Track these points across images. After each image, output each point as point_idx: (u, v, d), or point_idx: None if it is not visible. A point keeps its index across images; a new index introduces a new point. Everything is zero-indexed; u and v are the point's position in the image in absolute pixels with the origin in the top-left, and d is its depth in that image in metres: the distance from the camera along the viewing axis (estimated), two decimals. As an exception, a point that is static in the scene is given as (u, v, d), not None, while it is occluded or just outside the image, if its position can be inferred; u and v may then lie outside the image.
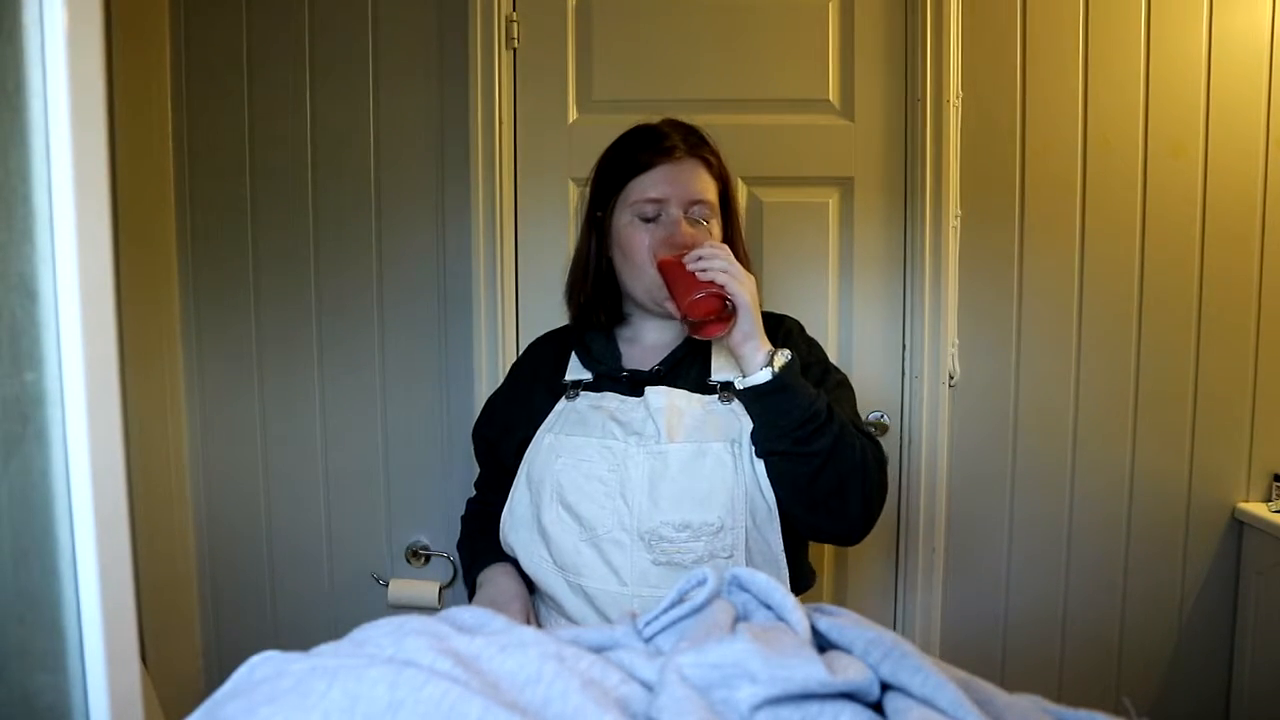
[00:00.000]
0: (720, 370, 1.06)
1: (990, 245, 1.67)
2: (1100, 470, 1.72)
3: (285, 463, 1.78)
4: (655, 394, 1.02)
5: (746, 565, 0.98)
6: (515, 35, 1.64)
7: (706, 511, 0.96)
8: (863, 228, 1.68)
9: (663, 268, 1.01)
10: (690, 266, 0.96)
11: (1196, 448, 1.72)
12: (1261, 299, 1.69)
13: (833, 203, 1.69)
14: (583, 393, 1.09)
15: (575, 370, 1.13)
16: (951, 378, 1.67)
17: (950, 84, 1.61)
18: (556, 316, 1.68)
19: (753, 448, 0.99)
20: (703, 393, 1.04)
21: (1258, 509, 1.68)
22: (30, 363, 0.56)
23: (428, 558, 1.76)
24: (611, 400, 1.06)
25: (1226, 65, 1.65)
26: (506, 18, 1.63)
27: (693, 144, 1.07)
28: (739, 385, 0.98)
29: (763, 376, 0.95)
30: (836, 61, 1.66)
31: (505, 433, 1.15)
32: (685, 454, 0.98)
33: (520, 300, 1.68)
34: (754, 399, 0.97)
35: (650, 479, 0.97)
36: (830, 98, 1.67)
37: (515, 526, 1.08)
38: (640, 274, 1.06)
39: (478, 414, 1.28)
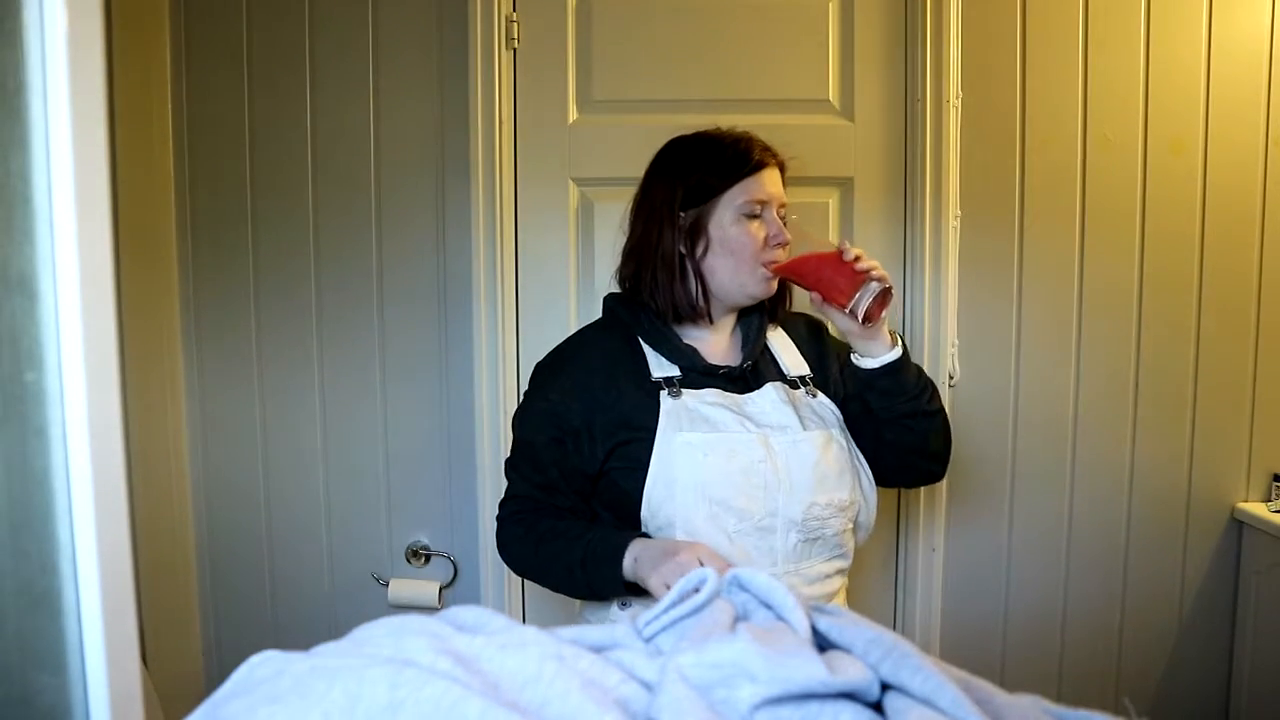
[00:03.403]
0: (793, 367, 1.22)
1: (990, 245, 1.67)
2: (1100, 470, 1.72)
3: (285, 463, 1.78)
4: (775, 389, 1.15)
5: (855, 529, 1.19)
6: (515, 35, 1.64)
7: (842, 490, 1.13)
8: (863, 228, 1.68)
9: (817, 262, 1.10)
10: (863, 265, 1.07)
11: (1196, 447, 1.72)
12: (1261, 299, 1.69)
13: (833, 203, 1.69)
14: (684, 390, 1.11)
15: (661, 367, 1.14)
16: (951, 378, 1.67)
17: (950, 84, 1.61)
18: (558, 316, 1.69)
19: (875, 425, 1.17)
20: (792, 387, 1.19)
21: (1257, 509, 1.68)
22: (30, 363, 0.56)
23: (428, 558, 1.76)
24: (723, 396, 1.13)
25: (1226, 64, 1.65)
26: (506, 18, 1.63)
27: (773, 152, 1.19)
28: (876, 364, 1.13)
29: (897, 352, 1.13)
30: (836, 61, 1.66)
31: (590, 430, 1.12)
32: (819, 441, 1.12)
33: (520, 300, 1.68)
34: (886, 374, 1.13)
35: (801, 466, 1.10)
36: (830, 98, 1.67)
37: (660, 531, 1.09)
38: (748, 269, 1.13)
39: (512, 413, 1.22)
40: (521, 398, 1.23)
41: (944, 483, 1.68)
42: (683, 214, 1.14)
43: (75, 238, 0.54)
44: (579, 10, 1.65)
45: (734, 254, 1.13)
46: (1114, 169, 1.67)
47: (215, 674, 1.82)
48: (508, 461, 1.22)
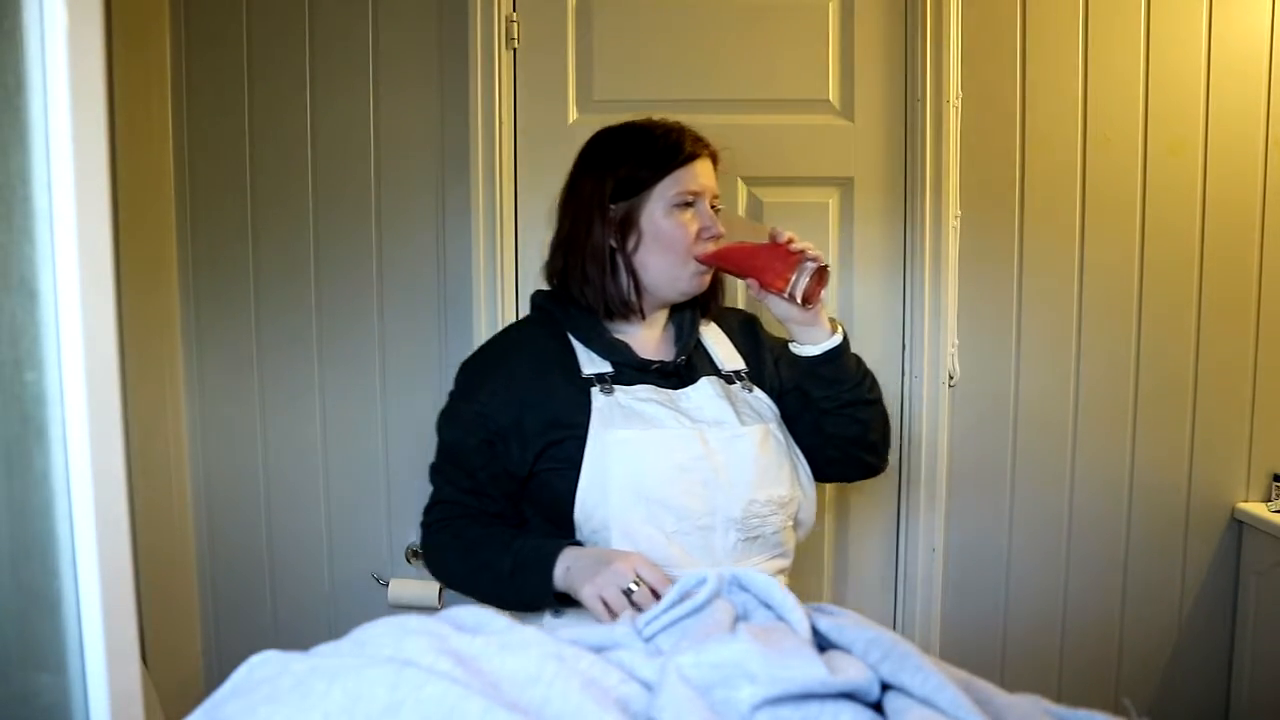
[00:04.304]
0: (727, 362, 1.19)
1: (990, 245, 1.67)
2: (1100, 470, 1.72)
3: (285, 463, 1.78)
4: (710, 383, 1.13)
5: (795, 527, 1.16)
6: (515, 35, 1.64)
7: (781, 485, 1.10)
8: (863, 228, 1.68)
9: (751, 249, 1.09)
10: (796, 246, 1.06)
11: (1196, 447, 1.72)
12: (1261, 298, 1.69)
13: (833, 203, 1.69)
14: (617, 387, 1.08)
15: (592, 363, 1.11)
16: (951, 378, 1.68)
17: (950, 84, 1.61)
18: (556, 316, 1.68)
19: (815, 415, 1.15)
20: (727, 382, 1.16)
21: (1257, 509, 1.68)
22: (30, 363, 0.56)
23: (428, 558, 1.76)
24: (657, 392, 1.10)
25: (1226, 64, 1.65)
26: (506, 18, 1.63)
27: (705, 143, 1.15)
28: (818, 350, 1.10)
29: (838, 338, 1.11)
30: (836, 61, 1.66)
31: (520, 430, 1.08)
32: (757, 436, 1.09)
33: (520, 301, 1.68)
34: (828, 361, 1.11)
35: (739, 462, 1.07)
36: (830, 98, 1.67)
37: (595, 534, 1.06)
38: (680, 262, 1.11)
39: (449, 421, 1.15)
40: (449, 398, 1.17)
41: (944, 483, 1.69)
42: (613, 207, 1.11)
43: (75, 238, 0.54)
44: (579, 10, 1.65)
45: (667, 247, 1.10)
46: (1114, 169, 1.67)
47: (215, 674, 1.82)
48: (433, 466, 1.17)
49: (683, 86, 1.65)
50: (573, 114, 1.67)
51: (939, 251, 1.64)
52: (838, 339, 1.11)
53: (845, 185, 1.68)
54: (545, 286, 1.22)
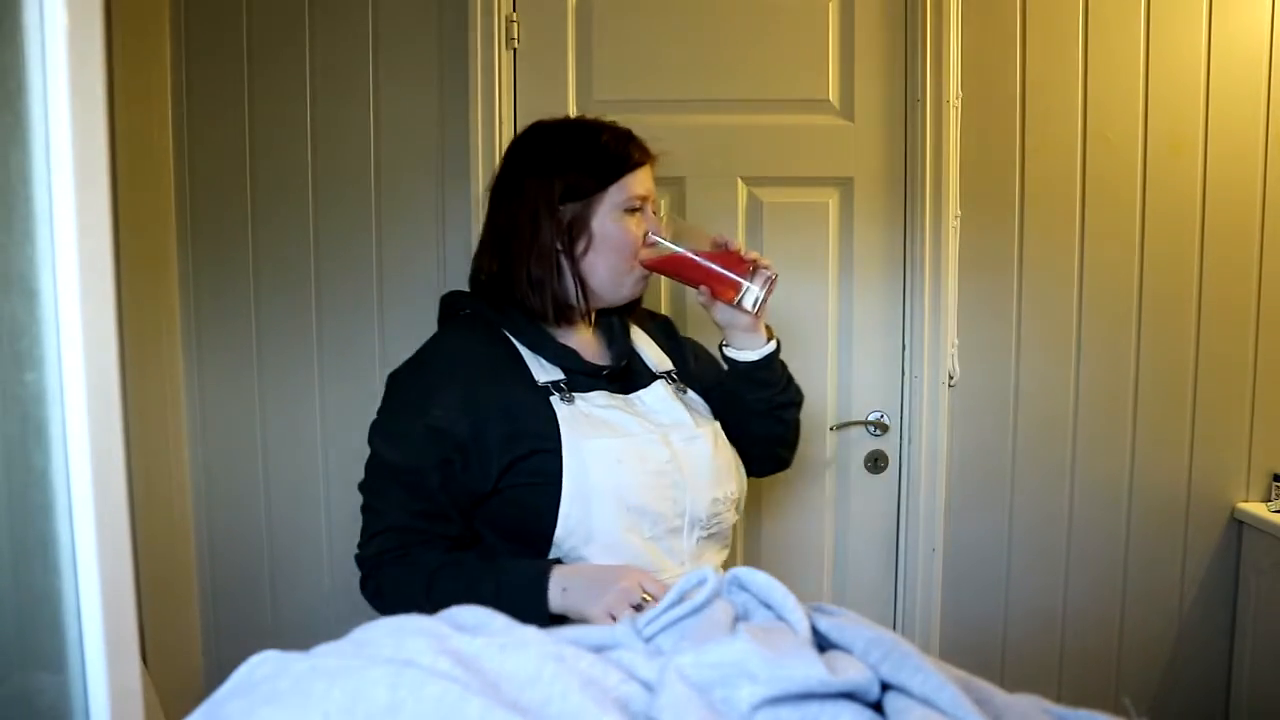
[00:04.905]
0: (658, 364, 1.20)
1: (990, 245, 1.67)
2: (1100, 470, 1.72)
3: (285, 463, 1.78)
4: (662, 386, 1.14)
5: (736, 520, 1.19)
6: (515, 35, 1.64)
7: (732, 482, 1.13)
8: (862, 228, 1.68)
9: (703, 257, 1.08)
10: (749, 255, 1.08)
11: (1196, 447, 1.72)
12: (1261, 298, 1.69)
13: (833, 203, 1.69)
14: (575, 395, 1.06)
15: (543, 371, 1.08)
16: (951, 378, 1.68)
17: (950, 84, 1.61)
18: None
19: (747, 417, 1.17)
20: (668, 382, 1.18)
21: (1257, 509, 1.68)
22: (30, 363, 0.56)
23: (428, 558, 1.76)
24: (613, 398, 1.08)
25: (1226, 63, 1.65)
26: (506, 18, 1.63)
27: (647, 148, 1.14)
28: (757, 356, 1.12)
29: (774, 344, 1.14)
30: (836, 62, 1.66)
31: (480, 445, 1.02)
32: (710, 436, 1.11)
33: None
34: (765, 365, 1.13)
35: (699, 463, 1.08)
36: (830, 98, 1.67)
37: (575, 548, 1.02)
38: (626, 267, 1.10)
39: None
40: (384, 413, 1.10)
41: (944, 483, 1.69)
42: (561, 208, 1.08)
43: (75, 238, 0.54)
44: (579, 10, 1.65)
45: (615, 251, 1.08)
46: (1114, 169, 1.67)
47: (215, 674, 1.82)
48: (368, 488, 1.10)
49: (682, 86, 1.65)
50: (573, 113, 1.66)
51: (939, 251, 1.64)
52: (773, 345, 1.14)
53: (845, 185, 1.68)
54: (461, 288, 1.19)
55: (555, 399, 1.04)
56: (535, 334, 1.09)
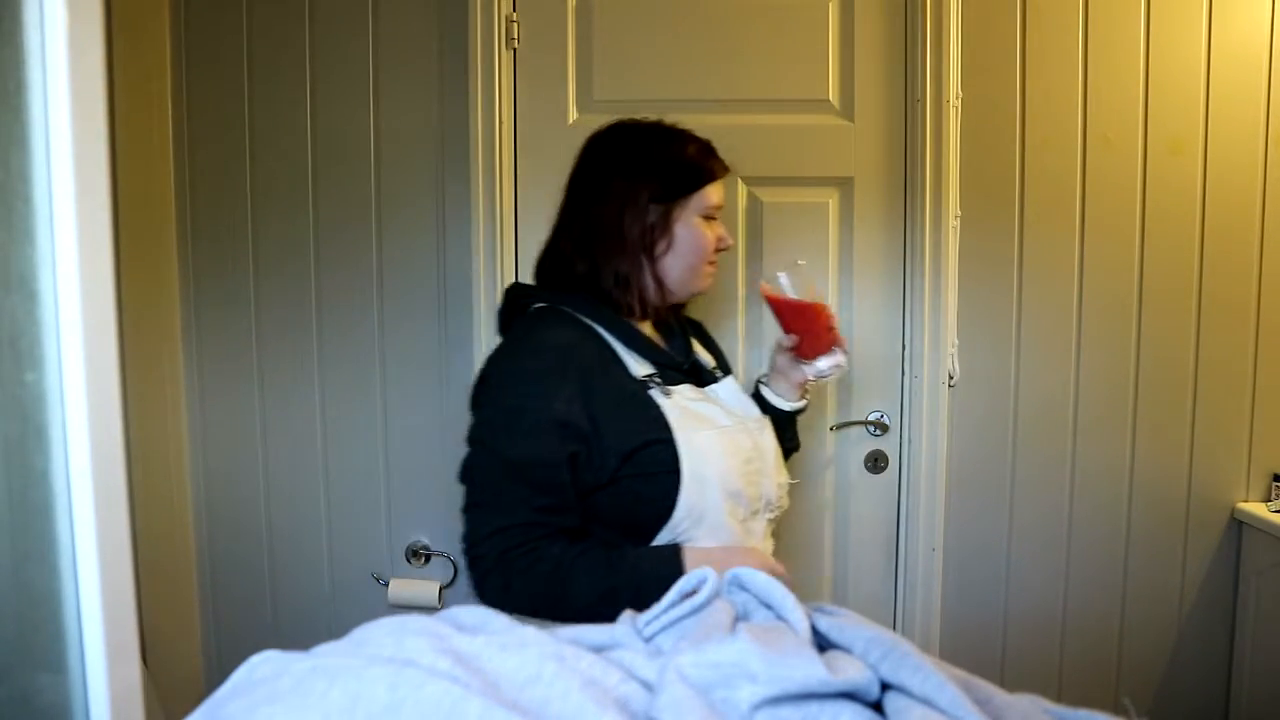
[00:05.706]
0: (708, 360, 1.29)
1: (990, 245, 1.67)
2: (1100, 470, 1.72)
3: (285, 463, 1.78)
4: (731, 381, 1.23)
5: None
6: (515, 35, 1.64)
7: (784, 468, 1.22)
8: (862, 228, 1.68)
9: (812, 313, 1.22)
10: (836, 329, 1.23)
11: (1196, 447, 1.72)
12: (1261, 298, 1.69)
13: (833, 203, 1.69)
14: (669, 387, 1.12)
15: (639, 365, 1.11)
16: (951, 378, 1.67)
17: (950, 84, 1.61)
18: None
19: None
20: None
21: (1257, 509, 1.68)
22: (30, 363, 0.56)
23: (428, 557, 1.76)
24: (696, 391, 1.16)
25: (1226, 63, 1.65)
26: (506, 18, 1.63)
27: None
28: (790, 408, 1.29)
29: (804, 404, 1.31)
30: (836, 61, 1.66)
31: (599, 437, 1.03)
32: (769, 426, 1.21)
33: (520, 300, 1.68)
34: (790, 418, 1.30)
35: (769, 450, 1.18)
36: (830, 98, 1.67)
37: (684, 534, 1.06)
38: (700, 269, 1.18)
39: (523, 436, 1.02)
40: (497, 408, 1.06)
41: (944, 483, 1.69)
42: (651, 208, 1.14)
43: (75, 238, 0.54)
44: (579, 10, 1.65)
45: (692, 253, 1.16)
46: (1114, 169, 1.67)
47: (215, 674, 1.82)
48: (482, 487, 1.04)
49: (682, 86, 1.65)
50: (573, 114, 1.67)
51: (939, 251, 1.64)
52: (804, 404, 1.31)
53: (845, 185, 1.68)
54: (528, 282, 1.23)
55: (654, 392, 1.09)
56: (627, 329, 1.13)
